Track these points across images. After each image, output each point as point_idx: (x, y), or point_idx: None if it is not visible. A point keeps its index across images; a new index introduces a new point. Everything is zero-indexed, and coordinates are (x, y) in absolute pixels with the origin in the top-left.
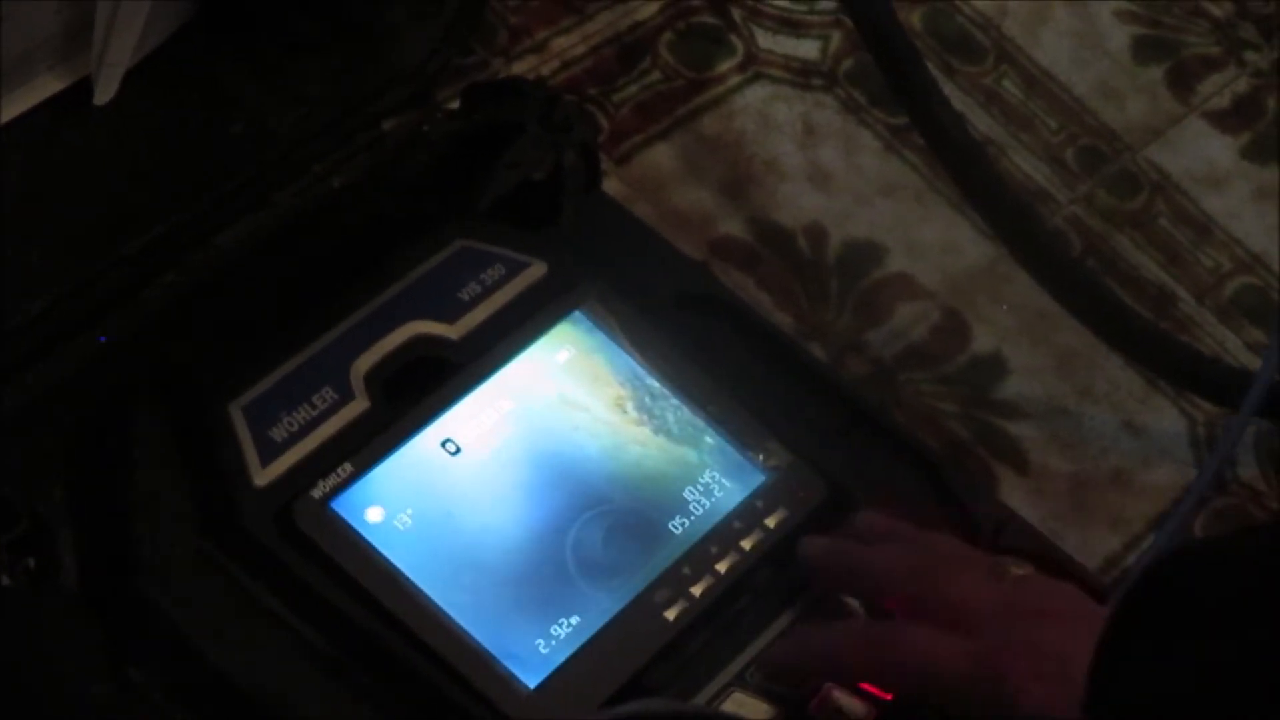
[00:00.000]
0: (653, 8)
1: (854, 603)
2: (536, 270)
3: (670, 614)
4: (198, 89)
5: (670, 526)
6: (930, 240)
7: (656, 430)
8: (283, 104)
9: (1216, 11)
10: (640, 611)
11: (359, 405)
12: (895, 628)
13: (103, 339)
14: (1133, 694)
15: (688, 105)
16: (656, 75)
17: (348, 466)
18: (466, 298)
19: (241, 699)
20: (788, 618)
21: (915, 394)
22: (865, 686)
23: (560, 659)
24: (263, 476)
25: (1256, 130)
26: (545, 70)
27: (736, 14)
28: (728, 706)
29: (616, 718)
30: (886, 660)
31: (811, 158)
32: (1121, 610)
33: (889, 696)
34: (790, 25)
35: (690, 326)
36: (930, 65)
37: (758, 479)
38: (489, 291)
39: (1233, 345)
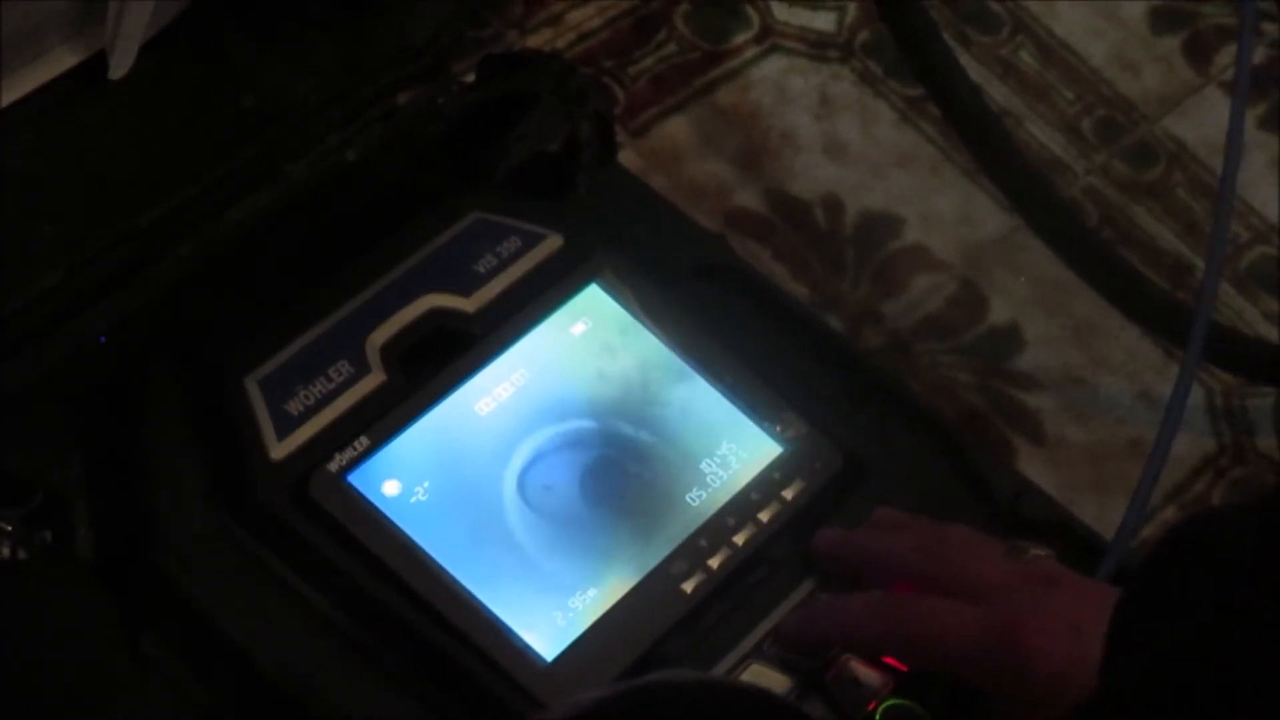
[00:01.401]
0: None
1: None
2: (552, 242)
3: (688, 586)
4: (212, 62)
5: (687, 499)
6: (946, 211)
7: (673, 402)
8: (297, 76)
9: None
10: (657, 584)
11: (375, 378)
12: (908, 599)
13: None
14: (1152, 653)
15: (704, 77)
16: (672, 47)
17: (364, 440)
18: (482, 270)
19: (257, 672)
20: (805, 589)
21: (931, 365)
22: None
23: (577, 632)
24: (279, 450)
25: (1273, 100)
26: (561, 42)
27: None
28: (745, 678)
29: (637, 687)
30: (898, 631)
31: (827, 129)
32: (1143, 570)
33: (906, 668)
34: None
35: (706, 298)
36: (946, 36)
37: (775, 450)
38: (505, 264)
39: (1250, 315)
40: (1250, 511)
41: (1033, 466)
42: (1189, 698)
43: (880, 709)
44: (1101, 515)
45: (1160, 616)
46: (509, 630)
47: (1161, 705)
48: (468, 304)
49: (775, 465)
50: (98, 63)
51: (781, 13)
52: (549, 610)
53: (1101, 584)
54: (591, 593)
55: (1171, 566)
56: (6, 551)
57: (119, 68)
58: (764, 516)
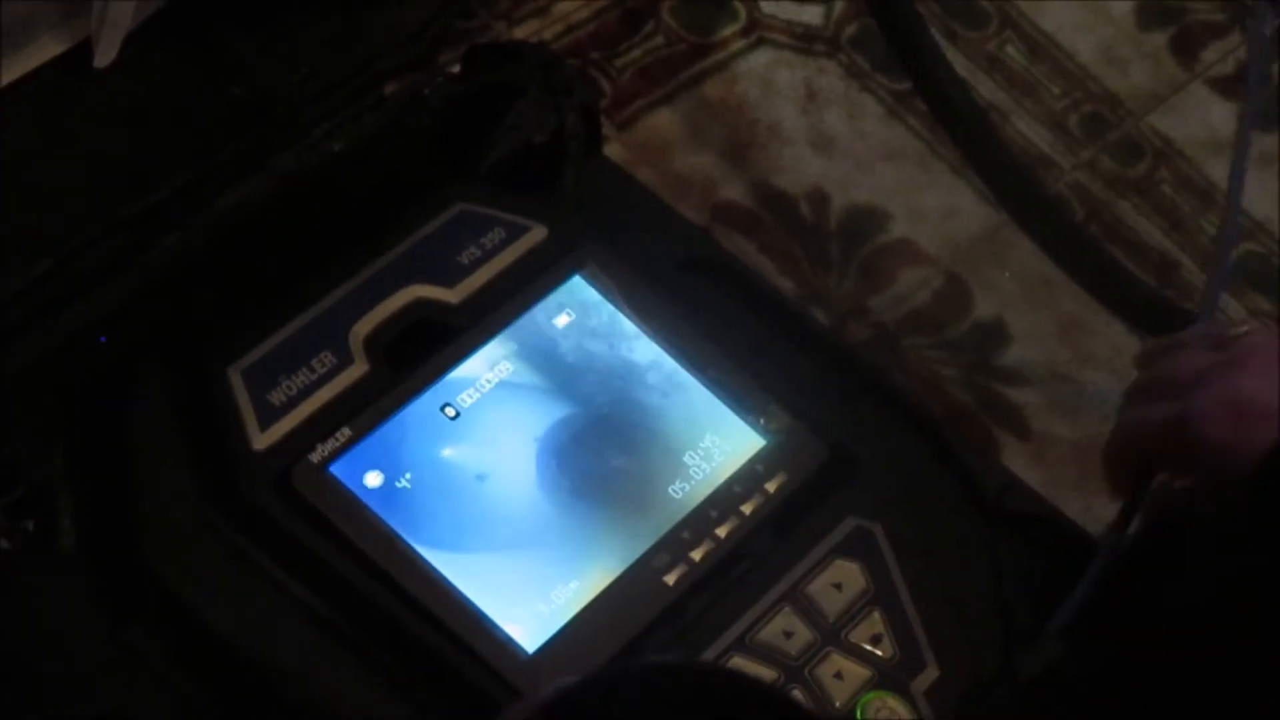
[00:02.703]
0: None
1: None
2: (537, 234)
3: (670, 578)
4: (198, 52)
5: (670, 491)
6: (933, 206)
7: (656, 395)
8: (283, 67)
9: None
10: (640, 576)
11: (358, 369)
12: (1122, 418)
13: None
14: None
15: (690, 70)
16: (659, 40)
17: (347, 430)
18: (466, 261)
19: (240, 662)
20: (789, 581)
21: (917, 359)
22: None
23: (559, 623)
24: (262, 440)
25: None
26: (548, 34)
27: None
28: None
29: (617, 672)
30: (1110, 451)
31: (814, 123)
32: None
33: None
34: None
35: (691, 291)
36: (934, 30)
37: (758, 443)
38: (489, 255)
39: (1235, 312)
40: None
41: (1018, 462)
42: None
43: (862, 701)
44: (1088, 510)
45: None
46: (491, 622)
47: None
48: (451, 295)
49: (758, 458)
50: (83, 52)
51: (769, 6)
52: (531, 602)
53: None
54: (574, 584)
55: None
56: None
57: (104, 57)
58: (747, 509)
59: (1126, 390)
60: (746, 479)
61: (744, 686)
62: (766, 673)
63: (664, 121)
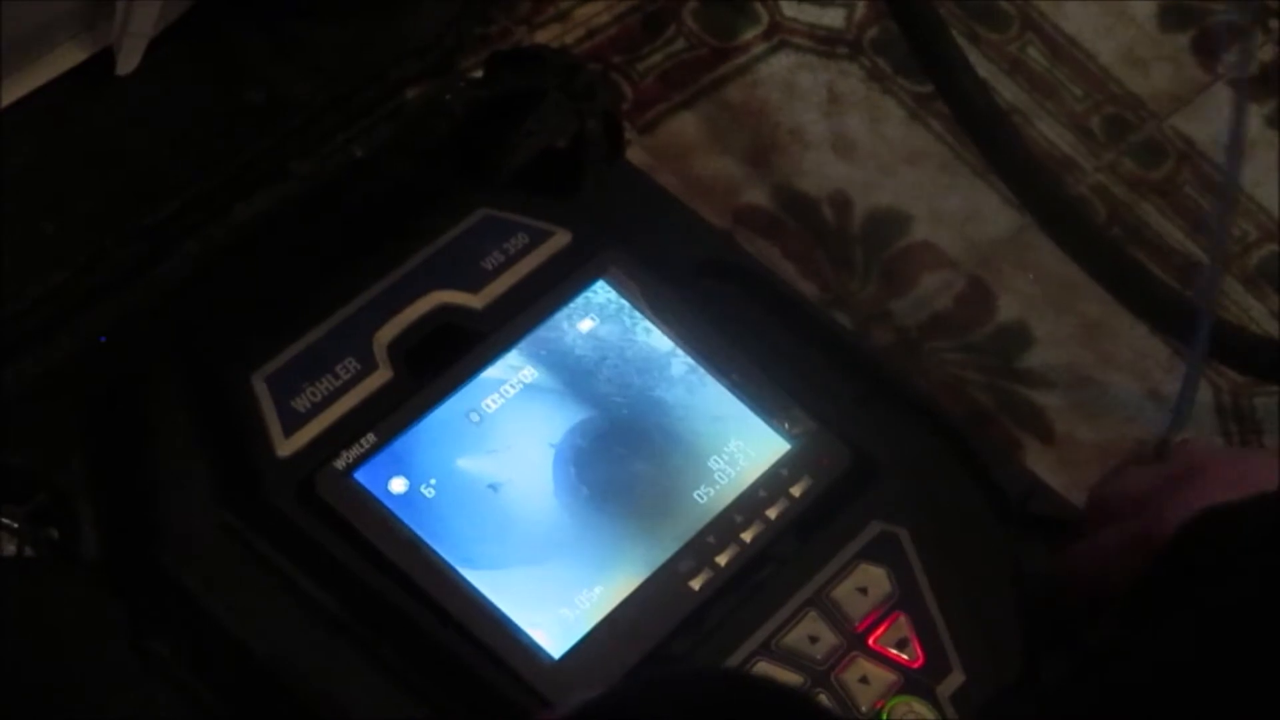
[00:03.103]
0: None
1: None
2: (560, 239)
3: (695, 583)
4: (219, 59)
5: (695, 495)
6: (955, 209)
7: (681, 399)
8: (304, 73)
9: None
10: (665, 581)
11: (382, 375)
12: (1079, 546)
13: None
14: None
15: (712, 74)
16: (681, 44)
17: (371, 437)
18: (490, 267)
19: (263, 671)
20: (814, 586)
21: (940, 363)
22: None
23: (584, 629)
24: (285, 447)
25: None
26: (569, 38)
27: None
28: None
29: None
30: (1074, 576)
31: (836, 126)
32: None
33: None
34: None
35: (714, 295)
36: (955, 33)
37: (782, 447)
38: (512, 260)
39: (1258, 314)
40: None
41: (1041, 465)
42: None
43: (888, 707)
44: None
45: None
46: (516, 627)
47: None
48: (475, 300)
49: (783, 462)
50: (105, 59)
51: (790, 9)
52: (556, 608)
53: (1243, 455)
54: (598, 590)
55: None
56: (12, 549)
57: (126, 65)
58: (772, 514)
59: (1083, 518)
60: (771, 483)
61: (769, 693)
62: (792, 678)
63: (686, 125)
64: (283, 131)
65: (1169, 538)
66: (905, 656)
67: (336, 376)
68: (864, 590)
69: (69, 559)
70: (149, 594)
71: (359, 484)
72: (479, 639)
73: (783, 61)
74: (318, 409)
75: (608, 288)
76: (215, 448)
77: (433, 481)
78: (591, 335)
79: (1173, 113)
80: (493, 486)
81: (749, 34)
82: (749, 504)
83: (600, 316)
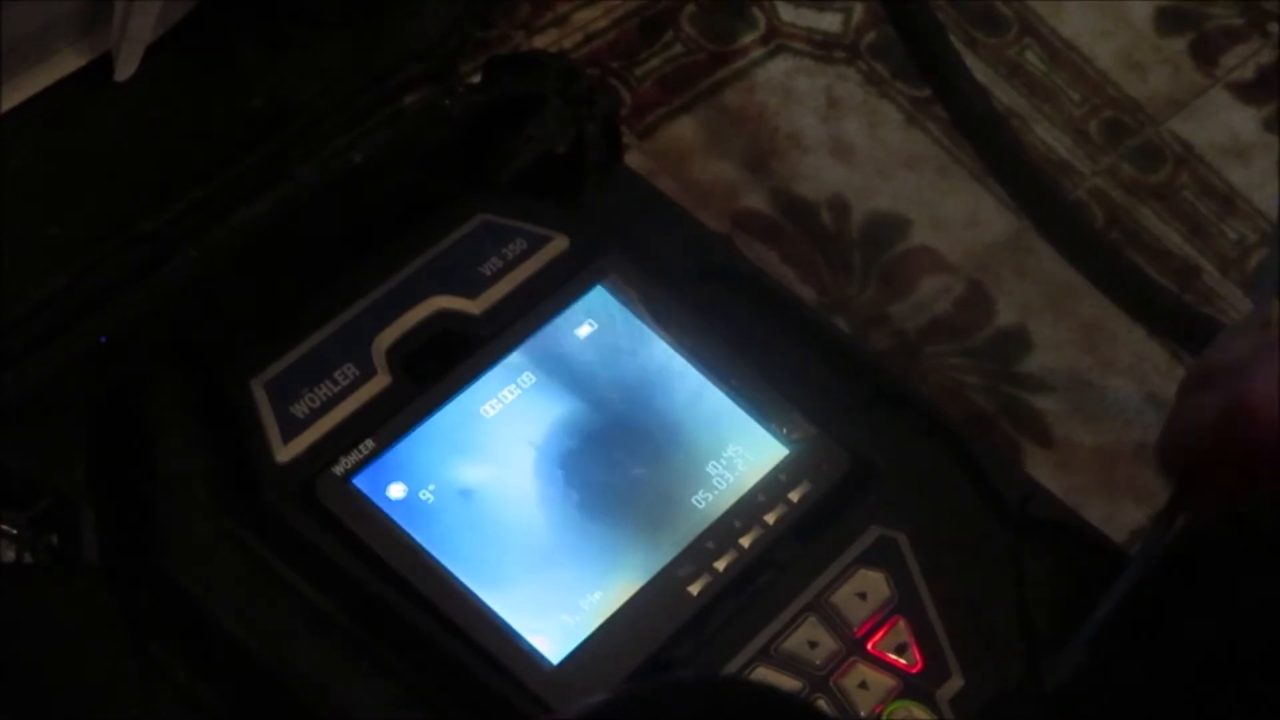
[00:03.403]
0: None
1: None
2: (558, 244)
3: (694, 589)
4: (218, 64)
5: (694, 501)
6: (953, 213)
7: (679, 404)
8: (303, 78)
9: None
10: (664, 586)
11: (381, 381)
12: (1175, 414)
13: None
14: None
15: (710, 79)
16: (679, 48)
17: (370, 443)
18: (488, 272)
19: (262, 675)
20: (813, 591)
21: (939, 367)
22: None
23: (584, 634)
24: (285, 453)
25: None
26: (567, 43)
27: None
28: None
29: (646, 688)
30: (1165, 443)
31: (834, 131)
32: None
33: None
34: None
35: (713, 300)
36: (953, 37)
37: (781, 452)
38: (511, 266)
39: None
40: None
41: (1040, 469)
42: None
43: (887, 712)
44: (1110, 517)
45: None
46: (515, 633)
47: None
48: (474, 306)
49: (782, 467)
50: (103, 65)
51: (788, 14)
52: (556, 613)
53: None
54: (598, 595)
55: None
56: (12, 555)
57: (125, 70)
58: (770, 519)
59: (1179, 384)
60: (770, 488)
61: (768, 700)
62: (791, 683)
63: (684, 130)
64: (282, 137)
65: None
66: (904, 661)
67: (335, 382)
68: (863, 595)
69: (70, 564)
70: (149, 599)
71: (358, 490)
72: (479, 645)
73: (780, 66)
74: (317, 414)
75: (606, 293)
76: (215, 453)
77: (431, 487)
78: (590, 340)
79: (1170, 116)
80: (491, 492)
81: (747, 38)
82: (748, 509)
83: (599, 321)
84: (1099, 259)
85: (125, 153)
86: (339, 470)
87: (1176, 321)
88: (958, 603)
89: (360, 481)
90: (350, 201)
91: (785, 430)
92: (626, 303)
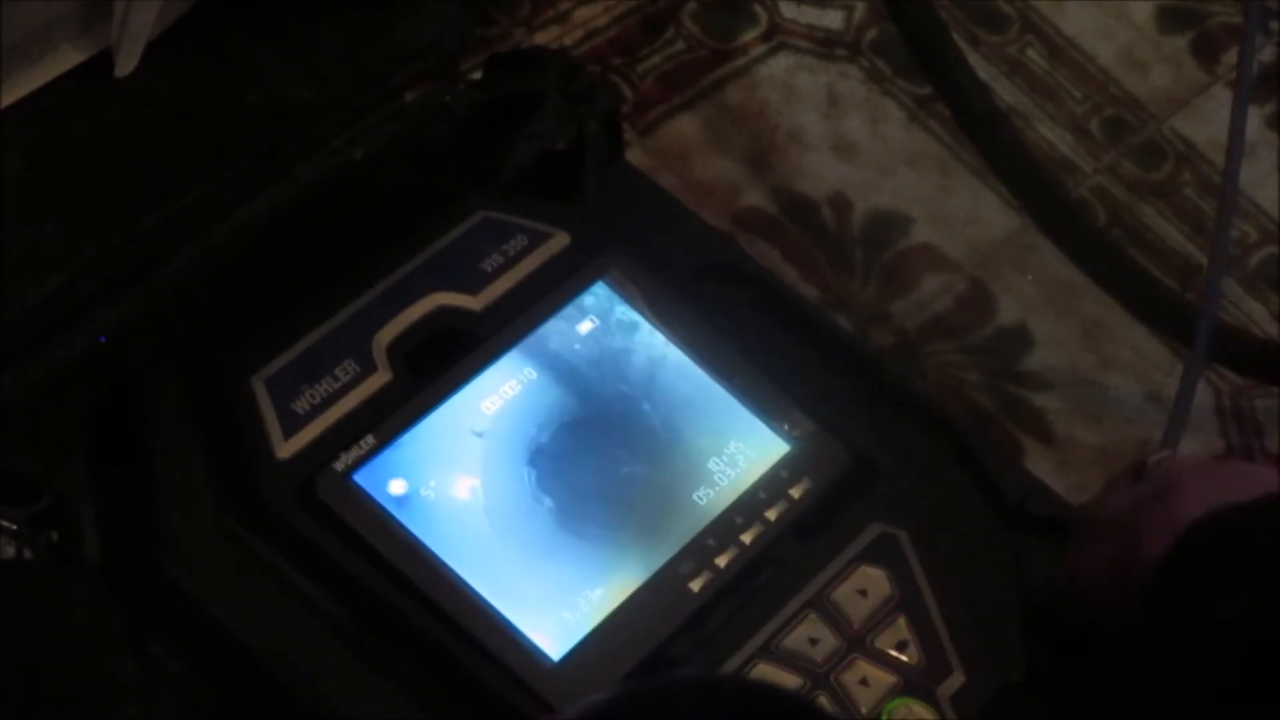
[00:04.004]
0: None
1: None
2: (559, 241)
3: (695, 585)
4: (218, 61)
5: (695, 497)
6: (955, 211)
7: (680, 401)
8: (303, 76)
9: None
10: (665, 583)
11: (381, 377)
12: (1068, 568)
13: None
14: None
15: (711, 76)
16: (680, 45)
17: (370, 439)
18: (489, 269)
19: (262, 672)
20: (814, 588)
21: (940, 365)
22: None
23: (584, 631)
24: (285, 449)
25: None
26: (568, 40)
27: None
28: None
29: (647, 688)
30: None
31: (835, 128)
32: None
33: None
34: None
35: (714, 297)
36: (955, 35)
37: (782, 449)
38: (512, 262)
39: (1259, 315)
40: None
41: (1042, 467)
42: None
43: (888, 708)
44: None
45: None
46: (516, 630)
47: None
48: (474, 302)
49: (783, 464)
50: (103, 61)
51: (789, 11)
52: (556, 610)
53: (1212, 467)
54: (598, 592)
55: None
56: (12, 551)
57: (125, 66)
58: (771, 515)
59: (1068, 547)
60: (771, 485)
61: (770, 697)
62: (792, 680)
63: (685, 127)
64: (282, 133)
65: (1153, 556)
66: (905, 658)
67: (336, 378)
68: (864, 592)
69: (69, 561)
70: (149, 596)
71: (358, 486)
72: (479, 641)
73: (782, 63)
74: (317, 411)
75: (607, 289)
76: (215, 450)
77: (432, 483)
78: (591, 337)
79: (1172, 114)
80: (492, 489)
81: (748, 35)
82: (749, 506)
83: (599, 318)
84: (1100, 257)
85: (125, 149)
86: (339, 466)
87: (1178, 319)
88: (959, 600)
89: (361, 478)
90: (351, 198)
91: (786, 427)
92: (627, 299)
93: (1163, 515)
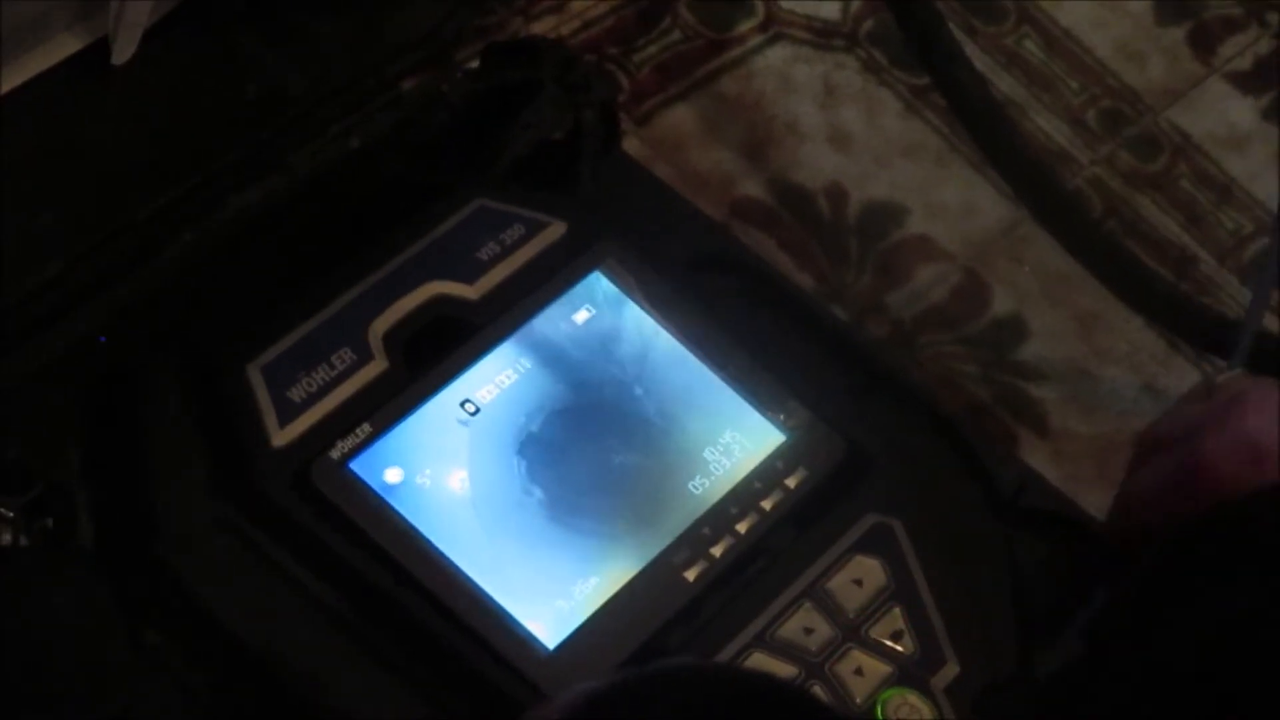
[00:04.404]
0: None
1: None
2: (556, 230)
3: (690, 574)
4: (215, 50)
5: (690, 487)
6: (951, 201)
7: (676, 390)
8: (300, 64)
9: None
10: (660, 572)
11: (378, 366)
12: (1124, 484)
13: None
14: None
15: (708, 66)
16: (677, 35)
17: (366, 427)
18: (485, 257)
19: (258, 662)
20: (809, 577)
21: (935, 356)
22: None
23: (579, 620)
24: (281, 437)
25: (1278, 91)
26: (565, 30)
27: None
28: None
29: (641, 675)
30: (1121, 507)
31: (832, 118)
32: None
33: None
34: None
35: (710, 286)
36: (952, 26)
37: (778, 439)
38: (508, 251)
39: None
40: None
41: (1037, 458)
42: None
43: (882, 698)
44: (1106, 506)
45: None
46: (511, 618)
47: None
48: (470, 291)
49: (778, 454)
50: (100, 49)
51: (786, 1)
52: (551, 598)
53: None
54: (593, 581)
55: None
56: (7, 539)
57: (121, 55)
58: (767, 505)
59: (1132, 453)
60: (766, 475)
61: (764, 686)
62: (786, 669)
63: (682, 117)
64: (279, 122)
65: (1214, 468)
66: (900, 648)
67: (332, 367)
68: (859, 582)
69: (64, 549)
70: (143, 584)
71: (354, 474)
72: (474, 630)
73: (779, 53)
74: (313, 399)
75: (603, 279)
76: (210, 437)
77: (428, 472)
78: (587, 326)
79: (1169, 106)
80: (488, 477)
81: (745, 26)
82: (744, 495)
83: (596, 308)
84: (1096, 248)
85: (122, 138)
86: (335, 455)
87: (1174, 311)
88: (953, 590)
89: (356, 466)
90: (347, 187)
91: (782, 417)
92: (624, 289)
93: (1227, 427)
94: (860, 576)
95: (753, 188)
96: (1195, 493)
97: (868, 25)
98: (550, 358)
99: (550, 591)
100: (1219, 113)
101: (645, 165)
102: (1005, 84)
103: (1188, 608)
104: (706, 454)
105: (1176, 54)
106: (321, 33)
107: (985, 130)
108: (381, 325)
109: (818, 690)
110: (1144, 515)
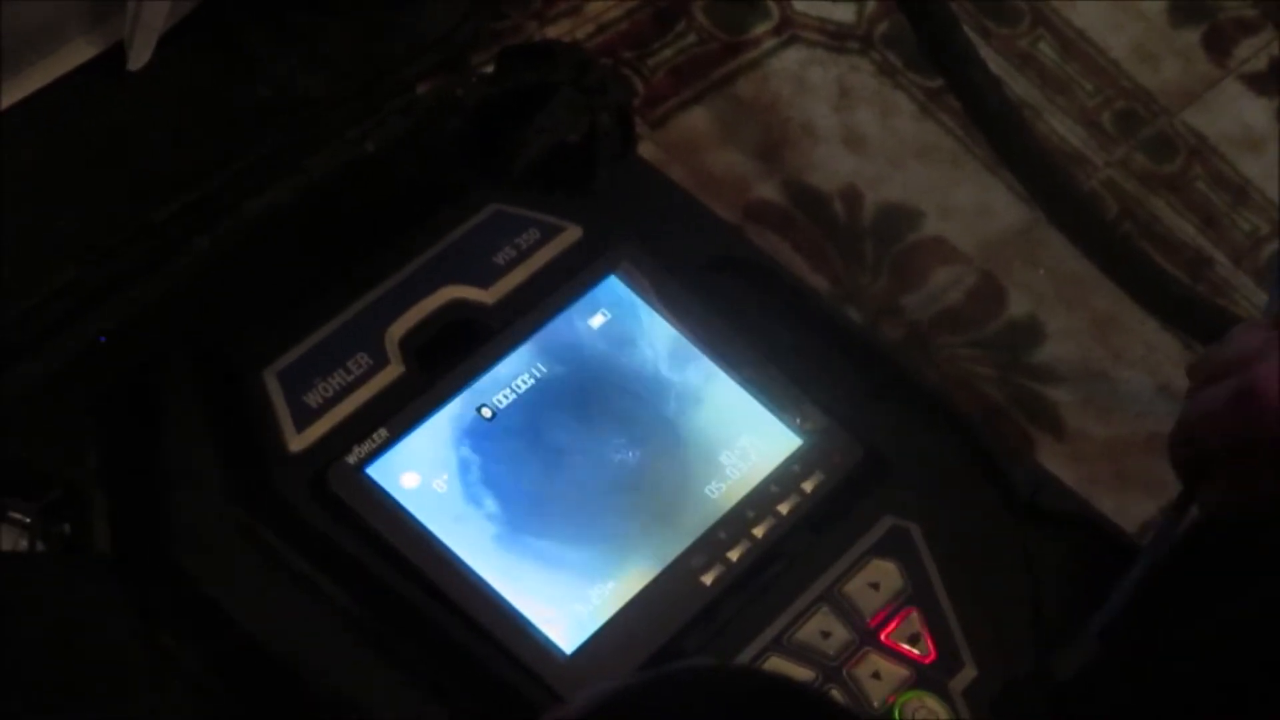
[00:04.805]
0: None
1: None
2: (571, 234)
3: (707, 579)
4: (230, 55)
5: (707, 491)
6: (965, 204)
7: (692, 394)
8: (315, 69)
9: None
10: (677, 576)
11: (394, 370)
12: (1184, 406)
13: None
14: None
15: (723, 69)
16: (692, 38)
17: (383, 432)
18: (501, 262)
19: (275, 665)
20: (826, 581)
21: (951, 358)
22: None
23: (597, 624)
24: (297, 442)
25: None
26: (580, 33)
27: None
28: None
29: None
30: (1180, 435)
31: (846, 121)
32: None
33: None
34: None
35: (725, 290)
36: (966, 28)
37: (794, 443)
38: (524, 255)
39: None
40: None
41: (1053, 460)
42: None
43: (899, 701)
44: (1122, 509)
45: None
46: (528, 623)
47: None
48: (487, 296)
49: (795, 458)
50: (116, 55)
51: (801, 4)
52: (568, 603)
53: None
54: (611, 585)
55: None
56: (25, 544)
57: (137, 60)
58: (783, 509)
59: (1189, 377)
60: (783, 479)
61: (781, 687)
62: (804, 673)
63: (697, 120)
64: (295, 127)
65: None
66: (917, 651)
67: (348, 372)
68: (876, 585)
69: (81, 554)
70: (160, 588)
71: (371, 479)
72: (491, 634)
73: (793, 56)
74: (330, 404)
75: (619, 283)
76: (227, 443)
77: (444, 476)
78: (603, 330)
79: (1184, 108)
80: (504, 482)
81: (760, 29)
82: (761, 499)
83: (611, 311)
84: (1111, 250)
85: (138, 142)
86: (352, 460)
87: (1189, 313)
88: (970, 593)
89: (373, 471)
90: (363, 191)
91: (798, 421)
92: (639, 292)
93: None
94: (877, 580)
95: (768, 190)
96: (1252, 416)
97: (882, 28)
98: (566, 362)
99: (567, 596)
100: (1234, 114)
101: (660, 168)
102: (1020, 86)
103: (1198, 609)
104: (723, 458)
105: (1191, 56)
106: (337, 37)
107: (1000, 132)
108: (398, 330)
109: (835, 694)
110: (1203, 440)
